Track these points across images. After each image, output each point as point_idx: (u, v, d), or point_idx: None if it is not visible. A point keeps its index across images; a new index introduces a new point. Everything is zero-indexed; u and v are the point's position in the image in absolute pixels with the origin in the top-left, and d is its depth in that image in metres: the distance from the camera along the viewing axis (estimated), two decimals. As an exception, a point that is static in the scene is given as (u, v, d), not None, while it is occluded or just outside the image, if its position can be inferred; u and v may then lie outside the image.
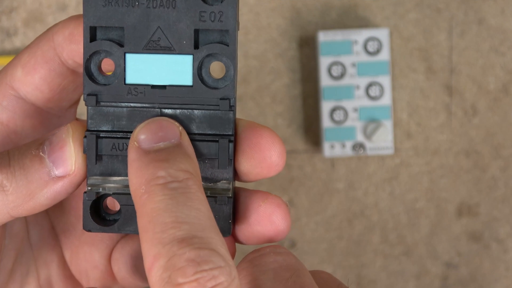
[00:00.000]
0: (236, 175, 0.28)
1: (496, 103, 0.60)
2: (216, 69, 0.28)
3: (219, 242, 0.23)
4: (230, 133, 0.27)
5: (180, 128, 0.26)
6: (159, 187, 0.24)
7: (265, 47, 0.59)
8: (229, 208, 0.27)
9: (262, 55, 0.59)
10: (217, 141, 0.27)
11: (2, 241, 0.29)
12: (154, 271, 0.23)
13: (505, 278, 0.61)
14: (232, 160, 0.27)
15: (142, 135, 0.26)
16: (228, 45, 0.27)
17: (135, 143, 0.26)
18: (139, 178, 0.25)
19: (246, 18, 0.59)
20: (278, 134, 0.61)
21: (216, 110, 0.27)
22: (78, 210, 0.31)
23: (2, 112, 0.29)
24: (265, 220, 0.28)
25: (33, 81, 0.28)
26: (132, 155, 0.25)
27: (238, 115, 0.60)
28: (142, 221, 0.24)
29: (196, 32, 0.27)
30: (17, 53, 0.58)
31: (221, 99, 0.27)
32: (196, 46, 0.27)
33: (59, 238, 0.31)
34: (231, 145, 0.27)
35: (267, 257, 0.27)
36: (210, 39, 0.27)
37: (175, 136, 0.26)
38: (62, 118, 0.30)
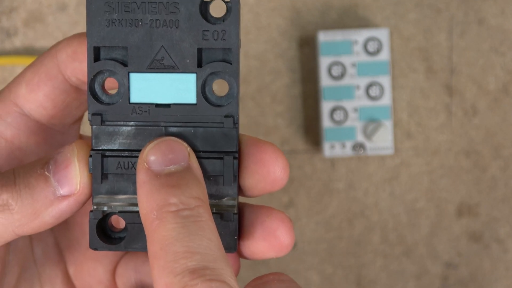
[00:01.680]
0: (240, 191, 0.28)
1: (496, 103, 0.60)
2: (219, 86, 0.29)
3: (229, 273, 0.24)
4: (234, 150, 0.27)
5: (188, 148, 0.26)
6: (171, 215, 0.24)
7: (265, 47, 0.59)
8: (235, 225, 0.28)
9: (262, 55, 0.59)
10: (221, 158, 0.27)
11: (6, 257, 0.29)
12: None
13: (505, 278, 0.61)
14: (237, 176, 0.27)
15: (152, 156, 0.26)
16: (231, 63, 0.27)
17: (145, 164, 0.26)
18: (150, 203, 0.25)
19: (246, 18, 0.59)
20: (278, 134, 0.61)
21: (220, 127, 0.27)
22: (82, 226, 0.31)
23: (7, 129, 0.29)
24: (269, 235, 0.28)
25: (37, 98, 0.28)
26: (142, 177, 0.26)
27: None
28: (154, 248, 0.24)
29: (200, 51, 0.27)
30: (17, 53, 0.58)
31: (225, 116, 0.27)
32: (200, 65, 0.27)
33: (63, 253, 0.31)
34: (235, 162, 0.27)
35: (270, 285, 0.27)
36: (213, 57, 0.27)
37: (184, 158, 0.26)
38: (66, 134, 0.30)
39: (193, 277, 0.23)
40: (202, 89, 0.27)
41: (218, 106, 0.27)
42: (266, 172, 0.27)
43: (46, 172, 0.27)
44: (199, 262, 0.23)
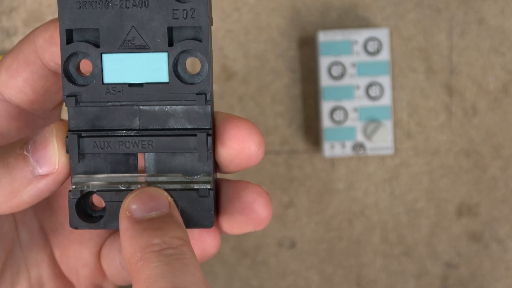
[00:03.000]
0: (217, 167, 0.29)
1: (496, 103, 0.60)
2: (191, 64, 0.29)
3: None
4: (208, 126, 0.28)
5: (169, 198, 0.27)
6: (155, 254, 0.25)
7: (265, 47, 0.59)
8: (211, 200, 0.28)
9: (262, 55, 0.59)
10: (195, 135, 0.27)
11: None
12: None
13: (505, 278, 0.61)
14: (212, 153, 0.28)
15: (133, 205, 0.26)
16: (201, 41, 0.27)
17: (127, 212, 0.26)
18: (134, 246, 0.25)
19: (246, 18, 0.59)
20: (278, 134, 0.61)
21: (193, 105, 0.27)
22: (66, 210, 0.32)
23: None
24: (246, 209, 0.29)
25: (17, 84, 0.29)
26: (125, 224, 0.26)
27: (238, 115, 0.60)
28: None
29: (170, 29, 0.27)
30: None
31: (197, 94, 0.27)
32: (171, 44, 0.27)
33: (49, 237, 0.32)
34: (209, 138, 0.27)
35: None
36: (184, 36, 0.27)
37: (165, 206, 0.27)
38: (47, 119, 0.31)
39: None
40: (174, 68, 0.27)
41: (191, 83, 0.27)
42: (241, 148, 0.28)
43: (25, 152, 0.27)
44: None
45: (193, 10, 0.27)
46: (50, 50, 0.28)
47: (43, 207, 0.31)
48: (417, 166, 0.60)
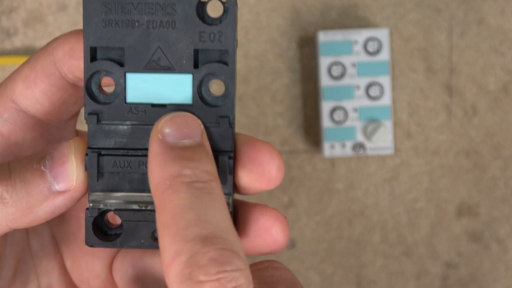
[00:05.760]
0: (235, 189, 0.29)
1: (496, 103, 0.60)
2: (215, 86, 0.29)
3: (239, 245, 0.24)
4: (229, 149, 0.27)
5: (202, 126, 0.27)
6: (184, 185, 0.25)
7: (265, 47, 0.59)
8: None
9: (262, 55, 0.59)
10: (217, 158, 0.27)
11: (3, 250, 0.29)
12: (175, 267, 0.23)
13: (505, 278, 0.61)
14: (232, 175, 0.28)
15: (167, 129, 0.26)
16: (227, 64, 0.27)
17: (159, 135, 0.26)
18: (163, 173, 0.25)
19: (246, 18, 0.59)
20: (278, 134, 0.61)
21: (216, 127, 0.27)
22: (78, 220, 0.31)
23: (3, 125, 0.29)
24: (264, 233, 0.28)
25: (34, 95, 0.29)
26: (156, 148, 0.26)
27: (238, 115, 0.60)
28: (164, 217, 0.24)
29: (196, 52, 0.27)
30: (17, 53, 0.58)
31: (220, 117, 0.27)
32: (196, 66, 0.27)
33: (60, 246, 0.32)
34: (231, 161, 0.27)
35: (264, 272, 0.27)
36: (210, 58, 0.27)
37: (198, 134, 0.26)
38: (62, 130, 0.31)
39: (205, 244, 0.23)
40: (198, 90, 0.27)
41: (214, 106, 0.27)
42: (261, 171, 0.28)
43: (42, 167, 0.27)
44: (211, 231, 0.23)
45: (220, 33, 0.27)
46: (69, 63, 0.28)
47: (55, 217, 0.31)
48: (417, 166, 0.60)
